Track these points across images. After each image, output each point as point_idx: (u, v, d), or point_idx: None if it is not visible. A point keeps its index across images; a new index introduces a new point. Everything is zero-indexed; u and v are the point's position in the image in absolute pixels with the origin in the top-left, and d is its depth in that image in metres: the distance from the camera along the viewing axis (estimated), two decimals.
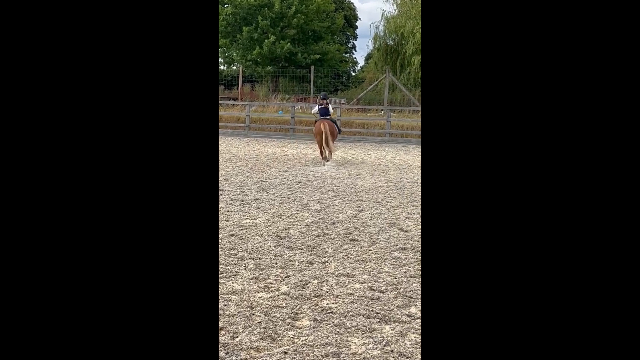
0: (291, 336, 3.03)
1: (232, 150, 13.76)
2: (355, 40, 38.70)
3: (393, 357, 2.83)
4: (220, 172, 9.73)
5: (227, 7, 27.38)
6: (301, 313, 3.37)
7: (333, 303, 3.56)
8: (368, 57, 32.80)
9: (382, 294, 3.75)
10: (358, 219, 6.20)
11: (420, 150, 11.93)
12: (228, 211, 6.40)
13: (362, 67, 36.49)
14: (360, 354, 2.84)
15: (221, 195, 7.47)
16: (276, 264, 4.40)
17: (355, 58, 40.01)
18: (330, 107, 12.37)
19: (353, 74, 35.41)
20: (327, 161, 11.82)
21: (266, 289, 3.80)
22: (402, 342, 2.99)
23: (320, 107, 12.18)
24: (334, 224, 5.92)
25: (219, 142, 15.09)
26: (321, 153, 12.09)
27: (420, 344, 2.88)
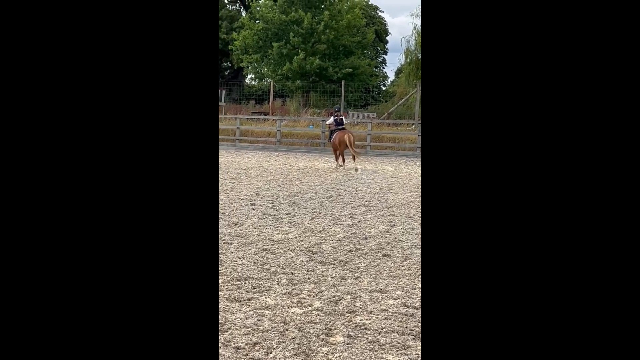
0: (325, 352, 3.01)
1: (263, 165, 13.86)
2: (386, 54, 38.82)
3: None
4: (251, 186, 9.81)
5: (258, 22, 27.74)
6: (335, 329, 3.35)
7: (367, 319, 3.53)
8: (398, 72, 32.78)
9: (416, 311, 3.70)
10: (390, 234, 6.16)
11: None
12: (260, 225, 6.43)
13: (392, 82, 36.49)
14: None
15: (253, 209, 7.51)
16: (309, 279, 4.39)
17: (385, 72, 40.08)
18: (344, 118, 13.97)
19: (383, 88, 35.45)
20: (357, 170, 12.66)
21: (299, 305, 3.79)
22: None
23: (335, 118, 13.73)
24: (366, 239, 5.89)
25: (250, 157, 15.40)
26: (343, 161, 13.32)
27: None
